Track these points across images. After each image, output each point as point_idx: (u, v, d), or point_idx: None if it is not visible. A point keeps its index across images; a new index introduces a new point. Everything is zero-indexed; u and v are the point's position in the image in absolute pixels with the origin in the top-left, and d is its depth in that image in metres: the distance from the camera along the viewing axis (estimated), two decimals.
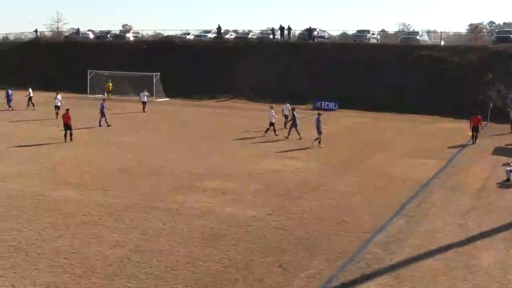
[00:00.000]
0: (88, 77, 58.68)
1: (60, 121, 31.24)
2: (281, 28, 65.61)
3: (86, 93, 57.59)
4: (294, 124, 32.48)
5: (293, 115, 33.08)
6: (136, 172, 23.00)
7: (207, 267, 13.18)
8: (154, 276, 12.59)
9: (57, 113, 38.66)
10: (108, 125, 35.81)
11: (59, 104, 39.64)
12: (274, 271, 13.05)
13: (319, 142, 30.10)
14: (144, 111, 44.60)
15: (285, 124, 36.29)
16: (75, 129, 30.68)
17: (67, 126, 29.98)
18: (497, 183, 22.44)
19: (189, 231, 15.69)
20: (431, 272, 13.13)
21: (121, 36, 75.99)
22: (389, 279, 12.72)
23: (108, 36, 76.21)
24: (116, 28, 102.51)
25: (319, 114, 31.39)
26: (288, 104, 37.68)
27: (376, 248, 14.70)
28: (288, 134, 32.97)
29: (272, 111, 33.55)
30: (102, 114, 36.03)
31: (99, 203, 18.22)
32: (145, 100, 45.61)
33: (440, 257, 14.14)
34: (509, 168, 23.00)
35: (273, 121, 33.43)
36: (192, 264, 13.29)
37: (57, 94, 40.99)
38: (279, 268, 13.20)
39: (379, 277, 12.84)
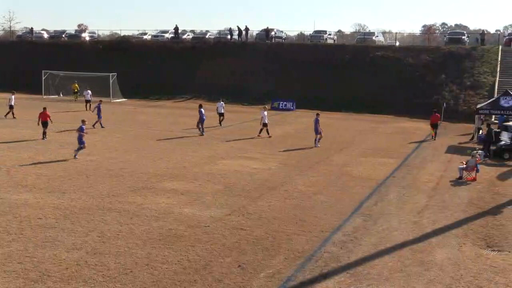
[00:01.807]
0: (43, 78, 57.53)
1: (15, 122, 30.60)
2: (239, 29, 65.73)
3: (41, 94, 56.43)
4: (201, 120, 33.81)
5: (200, 111, 34.04)
6: (94, 174, 22.65)
7: (166, 268, 13.11)
8: (111, 279, 12.44)
9: (9, 112, 39.07)
10: (102, 127, 35.51)
11: (12, 103, 39.63)
12: (233, 271, 13.07)
13: (316, 141, 30.68)
14: (86, 109, 44.54)
15: (220, 122, 38.10)
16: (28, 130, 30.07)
17: (45, 124, 30.68)
18: (450, 181, 23.04)
19: (147, 232, 15.57)
20: (387, 270, 13.38)
21: (76, 36, 74.87)
22: (346, 277, 12.89)
23: (63, 36, 74.92)
24: (71, 28, 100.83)
25: (317, 114, 31.53)
26: (222, 102, 38.87)
27: (334, 247, 14.88)
28: (201, 131, 34.04)
29: (265, 112, 34.04)
30: (98, 115, 35.73)
31: (55, 206, 17.87)
32: (90, 99, 46.24)
33: (395, 255, 14.42)
34: (461, 166, 23.62)
35: (266, 122, 33.68)
36: (150, 266, 13.20)
37: (12, 94, 40.62)
38: (238, 269, 13.22)
39: (336, 275, 13.00)
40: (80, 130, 26.31)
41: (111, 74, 55.11)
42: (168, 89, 56.90)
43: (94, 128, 34.86)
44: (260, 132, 33.71)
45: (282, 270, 13.18)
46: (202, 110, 34.26)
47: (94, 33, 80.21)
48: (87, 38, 73.95)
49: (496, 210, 18.87)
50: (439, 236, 16.04)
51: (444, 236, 16.03)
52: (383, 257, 14.21)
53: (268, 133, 33.56)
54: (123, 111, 46.03)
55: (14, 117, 39.22)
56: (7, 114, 39.45)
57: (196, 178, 22.46)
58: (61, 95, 56.77)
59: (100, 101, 37.58)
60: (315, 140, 30.77)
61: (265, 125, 33.66)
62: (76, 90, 54.76)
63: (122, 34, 77.49)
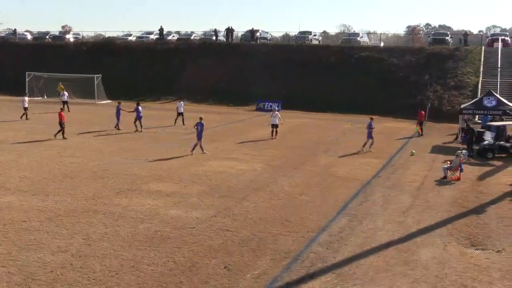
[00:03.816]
0: (27, 79, 57.05)
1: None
2: (227, 30, 65.76)
3: (25, 96, 55.79)
4: (138, 118, 34.87)
5: (137, 109, 35.09)
6: (79, 176, 22.51)
7: (152, 270, 13.07)
8: (97, 281, 12.38)
9: (24, 114, 40.17)
10: (119, 129, 35.69)
11: (26, 105, 40.49)
12: (219, 272, 13.06)
13: (369, 146, 29.65)
14: (68, 110, 44.35)
15: (177, 121, 38.65)
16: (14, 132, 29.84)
17: (60, 124, 31.47)
18: (435, 181, 23.20)
19: (133, 234, 15.51)
20: (373, 269, 13.45)
21: (60, 37, 74.38)
22: (332, 277, 12.94)
23: (47, 37, 74.37)
24: (55, 29, 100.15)
25: (371, 118, 30.49)
26: (182, 102, 39.57)
27: (320, 247, 14.93)
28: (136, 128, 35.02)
29: (277, 113, 34.41)
30: (118, 117, 36.05)
31: (40, 209, 17.74)
32: (66, 100, 46.45)
33: (381, 254, 14.50)
34: (445, 166, 23.81)
35: (277, 123, 33.63)
36: (136, 268, 13.15)
37: (25, 96, 41.51)
38: (224, 270, 13.22)
39: (323, 275, 13.05)
40: (199, 126, 27.76)
41: (95, 75, 54.82)
42: (153, 91, 56.67)
43: (119, 129, 35.55)
44: (275, 134, 33.63)
45: (268, 271, 13.19)
46: (140, 107, 35.52)
47: (78, 34, 79.67)
48: (71, 40, 73.43)
49: (480, 209, 19.04)
50: (424, 235, 16.16)
51: (429, 236, 16.15)
52: (368, 257, 14.28)
53: (272, 134, 33.63)
54: (107, 113, 45.69)
55: (27, 119, 39.67)
56: (22, 116, 40.10)
57: (182, 179, 22.41)
58: (45, 97, 56.30)
59: (119, 102, 37.79)
60: (366, 144, 29.73)
61: (275, 126, 33.55)
62: (61, 91, 54.34)
63: (106, 36, 77.07)
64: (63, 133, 31.57)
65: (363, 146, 29.70)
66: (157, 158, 26.69)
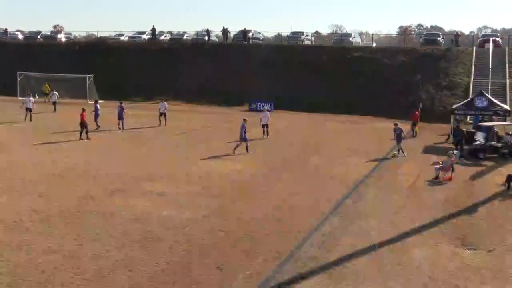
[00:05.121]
0: (18, 79, 56.75)
1: None
2: (224, 30, 65.79)
3: (16, 96, 55.59)
4: (96, 115, 35.95)
5: (96, 107, 36.22)
6: (70, 176, 22.44)
7: (144, 271, 13.03)
8: (89, 282, 12.33)
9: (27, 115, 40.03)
10: (123, 129, 36.07)
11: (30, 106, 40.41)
12: (212, 273, 13.04)
13: (402, 151, 28.84)
14: (55, 110, 45.06)
15: (163, 119, 38.65)
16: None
17: (83, 125, 31.59)
18: (427, 181, 23.25)
19: (125, 235, 15.46)
20: (365, 270, 13.46)
21: (52, 37, 73.94)
22: (324, 278, 12.95)
23: (39, 37, 73.96)
24: (46, 29, 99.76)
25: (395, 124, 29.32)
26: (164, 102, 39.40)
27: (312, 247, 14.94)
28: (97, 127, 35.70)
29: (267, 113, 34.73)
30: (120, 117, 36.54)
31: (31, 209, 17.64)
32: (55, 100, 46.60)
33: (373, 255, 14.53)
34: (437, 166, 23.87)
35: (267, 122, 33.77)
36: (128, 269, 13.10)
37: (30, 96, 41.29)
38: (217, 270, 13.20)
39: (315, 276, 13.06)
40: (242, 128, 28.39)
41: (87, 75, 54.60)
42: (145, 91, 56.44)
43: (122, 129, 36.00)
44: (267, 134, 33.77)
45: (261, 271, 13.19)
46: (98, 105, 36.62)
47: (70, 34, 79.25)
48: (63, 39, 73.07)
49: (471, 209, 19.12)
50: (416, 235, 16.20)
51: (421, 236, 16.20)
52: (361, 257, 14.30)
53: (264, 134, 33.74)
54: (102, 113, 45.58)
55: (31, 120, 39.26)
56: (26, 117, 39.47)
57: (174, 179, 22.37)
58: (37, 97, 55.99)
59: (121, 102, 38.15)
60: (400, 150, 28.97)
61: (265, 125, 33.69)
62: (47, 92, 54.15)
63: (98, 35, 76.77)
64: (86, 133, 31.66)
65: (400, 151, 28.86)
66: (149, 158, 26.63)
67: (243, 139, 28.44)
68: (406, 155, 28.61)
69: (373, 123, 42.89)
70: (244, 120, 29.18)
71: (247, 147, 28.50)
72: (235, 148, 28.37)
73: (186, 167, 24.74)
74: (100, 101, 40.12)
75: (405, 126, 37.64)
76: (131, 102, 53.92)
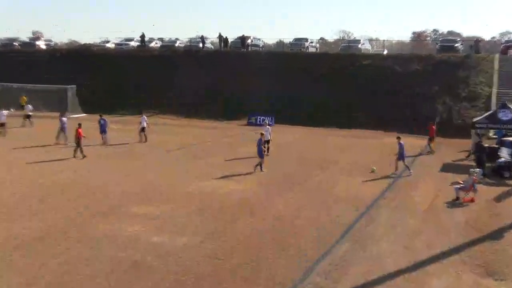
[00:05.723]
0: None
1: None
2: (220, 36, 66.03)
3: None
4: (62, 129, 36.48)
5: (61, 120, 36.77)
6: (60, 195, 22.36)
7: None
8: None
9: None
10: (107, 144, 36.46)
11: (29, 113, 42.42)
12: None
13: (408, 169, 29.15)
14: (31, 125, 45.22)
15: (143, 134, 38.50)
16: None
17: (79, 142, 31.75)
18: (446, 203, 23.05)
19: (114, 263, 15.22)
20: None
21: (30, 44, 74.19)
22: None
23: (15, 43, 74.18)
24: (24, 35, 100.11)
25: (398, 138, 29.78)
26: (145, 116, 39.40)
27: (318, 276, 14.73)
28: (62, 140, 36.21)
29: (269, 127, 34.77)
30: (103, 131, 36.97)
31: (10, 234, 17.41)
32: (30, 114, 46.75)
33: (387, 284, 14.33)
34: (457, 186, 23.67)
35: (269, 138, 33.79)
36: None
37: (27, 105, 43.13)
38: None
39: None
40: (259, 143, 29.00)
41: (69, 86, 54.59)
42: (134, 103, 56.31)
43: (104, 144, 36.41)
44: (267, 150, 33.35)
45: None
46: (64, 118, 37.16)
47: (50, 40, 79.57)
48: (43, 46, 73.34)
49: (496, 234, 18.93)
50: (434, 263, 16.00)
51: (440, 263, 15.99)
52: None
53: (267, 151, 33.43)
54: (85, 128, 45.53)
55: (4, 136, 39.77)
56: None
57: (169, 199, 22.30)
58: (11, 110, 55.92)
59: (100, 115, 38.53)
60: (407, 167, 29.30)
61: (266, 141, 33.24)
62: (24, 104, 54.09)
63: (82, 42, 77.15)
64: (81, 151, 31.49)
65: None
66: (144, 176, 26.53)
67: (261, 155, 28.83)
68: (411, 172, 28.92)
69: (384, 138, 42.73)
70: (262, 134, 29.87)
71: (261, 164, 28.68)
72: (256, 166, 28.56)
73: (182, 186, 24.68)
74: (82, 115, 40.28)
75: (419, 141, 37.60)
76: (117, 116, 53.94)
